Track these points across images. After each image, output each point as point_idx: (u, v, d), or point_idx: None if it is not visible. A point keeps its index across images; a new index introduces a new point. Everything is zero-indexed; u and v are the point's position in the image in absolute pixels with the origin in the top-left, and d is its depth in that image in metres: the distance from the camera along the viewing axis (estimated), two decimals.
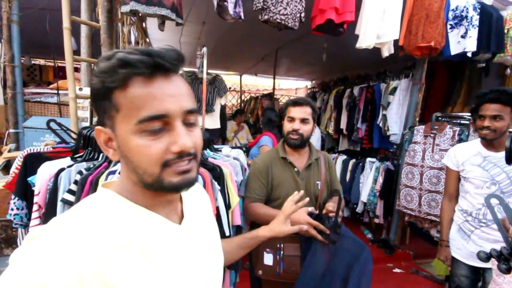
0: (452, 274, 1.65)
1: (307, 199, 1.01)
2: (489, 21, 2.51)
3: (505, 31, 2.65)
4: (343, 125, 3.86)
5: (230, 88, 8.74)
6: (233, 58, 5.57)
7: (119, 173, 0.99)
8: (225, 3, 1.77)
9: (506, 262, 0.60)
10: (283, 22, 1.98)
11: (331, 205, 1.20)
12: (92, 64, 2.34)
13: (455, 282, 1.65)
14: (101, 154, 1.11)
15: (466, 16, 2.37)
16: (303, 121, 1.35)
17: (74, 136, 1.60)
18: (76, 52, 2.40)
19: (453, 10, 2.38)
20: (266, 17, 1.94)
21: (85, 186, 0.95)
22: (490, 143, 1.47)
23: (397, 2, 2.20)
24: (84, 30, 2.32)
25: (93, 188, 0.94)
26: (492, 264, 1.36)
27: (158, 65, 0.40)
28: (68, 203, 0.99)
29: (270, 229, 0.87)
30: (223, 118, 3.36)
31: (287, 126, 1.38)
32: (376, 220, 3.25)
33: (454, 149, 1.65)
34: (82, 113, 2.03)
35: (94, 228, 0.40)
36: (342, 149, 4.06)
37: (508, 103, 1.35)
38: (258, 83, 9.06)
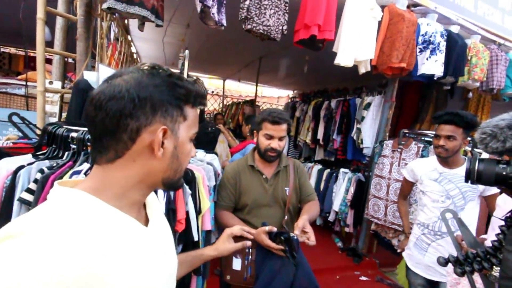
0: (410, 283, 1.75)
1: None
2: (454, 48, 2.74)
3: (469, 57, 2.90)
4: (320, 135, 3.98)
5: (212, 92, 8.70)
6: (217, 63, 5.57)
7: (84, 173, 0.96)
8: (208, 9, 1.79)
9: (461, 266, 0.68)
10: (265, 32, 2.03)
11: (300, 224, 1.24)
12: (66, 58, 2.24)
13: None
14: (66, 153, 1.07)
15: (433, 42, 2.58)
16: (281, 138, 1.39)
17: (38, 132, 1.52)
18: (50, 43, 2.30)
19: (422, 35, 2.57)
20: (249, 26, 1.98)
21: (46, 186, 0.90)
22: (445, 161, 1.60)
23: (372, 24, 2.34)
24: (59, 22, 2.22)
25: None
26: (448, 274, 1.46)
27: (205, 105, 0.60)
28: (25, 203, 0.94)
29: (215, 248, 0.89)
30: (201, 121, 3.36)
31: (265, 143, 1.38)
32: (346, 229, 3.36)
33: (412, 164, 1.78)
34: (50, 108, 1.93)
35: (77, 230, 0.41)
36: (318, 158, 4.17)
37: (461, 125, 1.48)
38: (241, 89, 9.10)
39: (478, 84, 3.03)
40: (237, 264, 1.26)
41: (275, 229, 1.23)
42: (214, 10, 1.80)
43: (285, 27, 2.20)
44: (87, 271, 0.38)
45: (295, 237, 1.15)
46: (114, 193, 0.48)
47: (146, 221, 0.56)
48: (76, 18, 2.00)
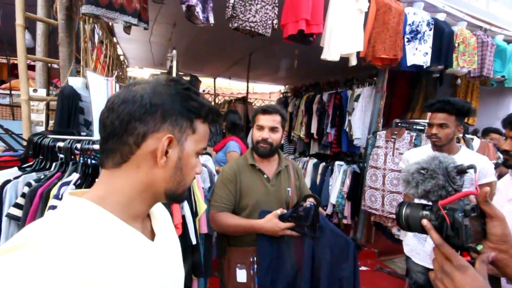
0: (410, 271, 1.78)
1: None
2: (441, 36, 2.75)
3: (456, 45, 2.92)
4: (313, 129, 3.98)
5: (203, 91, 8.63)
6: (206, 61, 5.50)
7: (74, 184, 0.93)
8: (194, 7, 1.75)
9: None
10: (252, 29, 2.00)
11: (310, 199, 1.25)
12: (49, 64, 2.18)
13: (412, 278, 1.77)
14: (54, 164, 1.03)
15: (420, 31, 2.58)
16: (272, 129, 1.33)
17: (25, 143, 1.48)
18: (32, 49, 2.23)
19: (409, 24, 2.57)
20: (235, 24, 1.95)
21: (34, 200, 0.87)
22: (440, 149, 1.60)
23: (358, 17, 2.33)
24: (40, 27, 2.16)
25: (43, 201, 0.87)
26: None
27: (217, 122, 0.60)
28: (14, 219, 0.91)
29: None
30: None
31: (256, 135, 1.35)
32: (344, 221, 3.38)
33: (408, 154, 1.79)
34: (36, 117, 1.87)
35: (80, 243, 0.41)
36: (313, 152, 4.18)
37: (453, 113, 1.48)
38: (232, 87, 9.04)
39: (465, 70, 3.06)
40: (241, 275, 1.20)
41: (285, 211, 1.21)
42: (198, 8, 1.76)
43: (275, 21, 2.16)
44: (88, 285, 0.38)
45: (312, 204, 1.15)
46: (119, 202, 0.48)
47: (151, 234, 0.56)
48: (57, 23, 1.93)
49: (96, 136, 1.43)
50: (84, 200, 0.46)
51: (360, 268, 3.00)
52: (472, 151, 1.78)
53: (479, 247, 0.53)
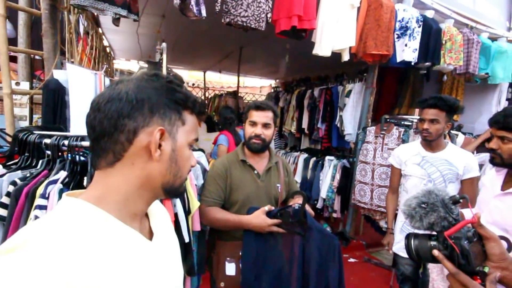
0: (397, 263, 1.84)
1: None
2: (429, 33, 2.80)
3: (443, 42, 2.98)
4: (304, 124, 4.01)
5: (193, 84, 8.50)
6: (196, 54, 5.40)
7: (61, 183, 0.90)
8: (189, 0, 1.70)
9: None
10: (245, 24, 1.97)
11: (296, 200, 1.27)
12: (32, 55, 2.08)
13: (400, 270, 1.84)
14: (40, 161, 1.00)
15: (409, 27, 2.62)
16: (265, 125, 1.35)
17: (9, 139, 1.42)
18: (14, 40, 2.13)
19: (399, 21, 2.60)
20: (227, 20, 1.91)
21: (20, 199, 0.84)
22: (428, 144, 1.66)
23: (350, 12, 2.33)
24: (22, 17, 2.05)
25: (29, 201, 0.84)
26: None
27: (203, 113, 0.60)
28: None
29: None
30: None
31: (249, 131, 1.36)
32: (334, 215, 3.45)
33: (397, 150, 1.84)
34: (19, 111, 1.80)
35: (76, 245, 0.40)
36: (304, 147, 4.22)
37: (444, 109, 1.53)
38: (222, 80, 8.95)
39: (452, 67, 3.14)
40: (230, 269, 1.22)
41: (273, 208, 1.22)
42: (192, 1, 1.72)
43: (269, 15, 2.14)
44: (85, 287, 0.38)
45: (298, 206, 1.16)
46: (116, 201, 0.48)
47: (150, 234, 0.56)
48: (40, 13, 1.84)
49: (72, 132, 1.38)
50: (80, 200, 0.45)
51: (349, 260, 3.08)
52: (458, 147, 1.84)
53: (486, 269, 0.56)
